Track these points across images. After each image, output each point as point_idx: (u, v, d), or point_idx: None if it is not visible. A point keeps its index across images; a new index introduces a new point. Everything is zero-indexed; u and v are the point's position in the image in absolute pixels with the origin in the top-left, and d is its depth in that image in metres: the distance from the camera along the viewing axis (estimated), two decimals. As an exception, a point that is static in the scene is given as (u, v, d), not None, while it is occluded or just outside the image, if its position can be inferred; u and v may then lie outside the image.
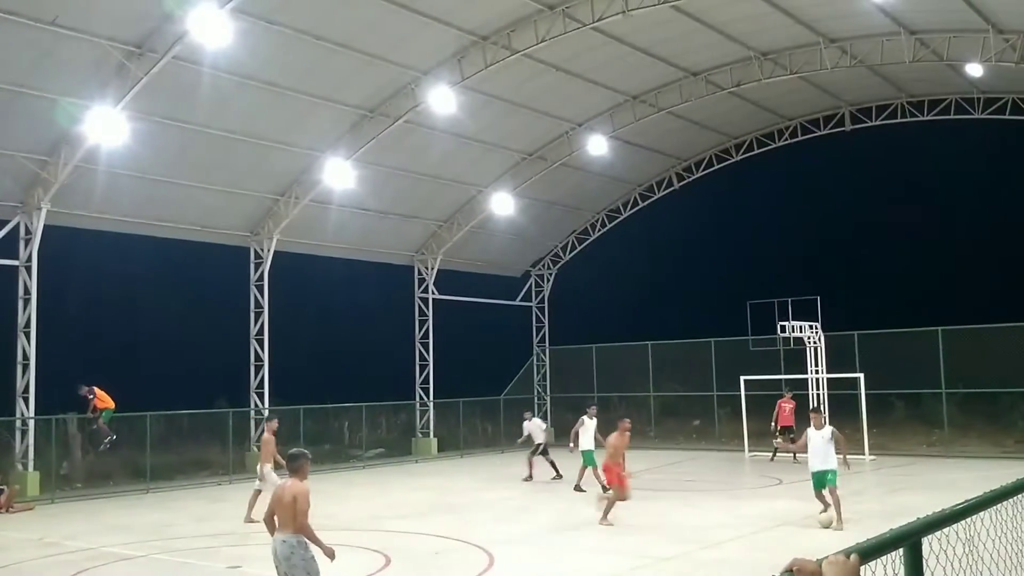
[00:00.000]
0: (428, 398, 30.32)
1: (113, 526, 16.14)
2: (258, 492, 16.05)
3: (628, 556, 11.68)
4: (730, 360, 28.41)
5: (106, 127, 19.16)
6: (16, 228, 20.96)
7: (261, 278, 26.02)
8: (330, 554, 7.81)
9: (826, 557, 2.01)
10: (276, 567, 7.73)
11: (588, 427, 19.00)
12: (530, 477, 20.98)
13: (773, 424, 23.96)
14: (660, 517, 15.23)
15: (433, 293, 30.57)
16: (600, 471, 16.56)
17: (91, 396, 20.57)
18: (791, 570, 1.92)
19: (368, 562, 11.92)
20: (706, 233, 36.48)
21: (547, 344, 34.79)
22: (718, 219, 36.17)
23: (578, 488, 18.55)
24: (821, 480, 13.64)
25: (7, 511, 18.21)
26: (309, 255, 27.79)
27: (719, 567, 10.41)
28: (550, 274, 34.58)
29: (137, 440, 22.35)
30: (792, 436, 23.55)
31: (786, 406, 23.70)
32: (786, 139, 29.34)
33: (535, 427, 22.25)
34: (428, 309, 30.54)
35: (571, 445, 19.19)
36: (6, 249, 20.95)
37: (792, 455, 23.23)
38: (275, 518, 7.79)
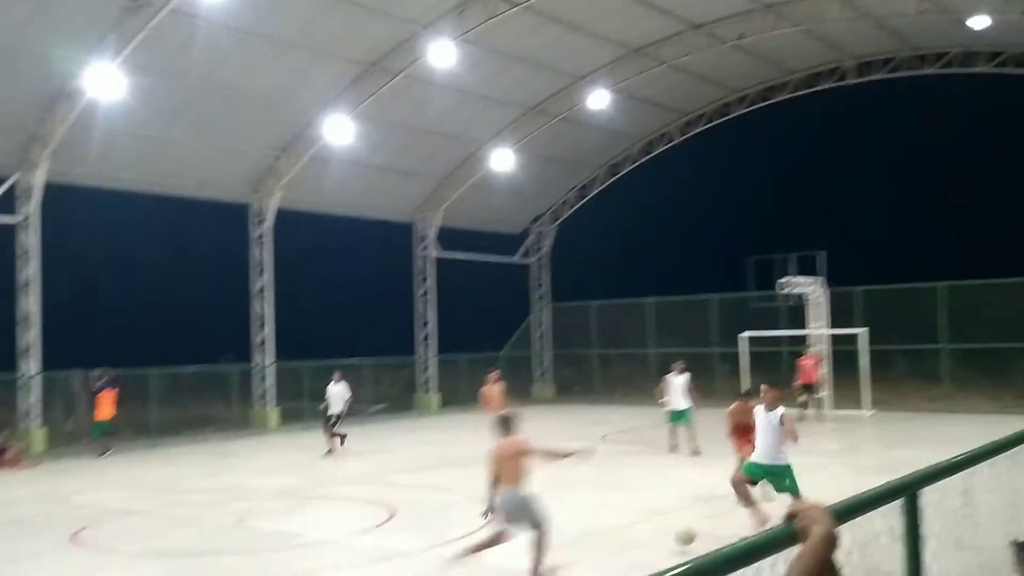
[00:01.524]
0: (429, 354, 30.47)
1: (120, 481, 16.32)
2: None
3: (627, 511, 11.82)
4: (731, 317, 28.46)
5: (104, 82, 19.03)
6: (14, 186, 20.91)
7: (263, 235, 26.01)
8: (587, 454, 9.20)
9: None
10: (505, 515, 8.40)
11: (673, 384, 17.42)
12: (334, 448, 19.11)
13: (795, 382, 24.00)
14: (662, 473, 15.38)
15: (433, 250, 30.57)
16: (678, 430, 16.52)
17: (99, 385, 20.49)
18: (792, 517, 1.95)
19: (374, 515, 12.08)
20: (708, 188, 36.37)
21: (547, 301, 34.84)
22: (720, 174, 36.05)
23: (674, 448, 17.13)
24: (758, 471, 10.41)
25: (14, 468, 18.41)
26: (310, 212, 27.73)
27: (718, 521, 10.54)
28: (550, 230, 34.51)
29: (142, 397, 22.51)
30: (815, 394, 23.73)
31: (807, 363, 23.75)
32: (789, 93, 29.07)
33: (337, 394, 19.53)
34: (428, 266, 30.55)
35: (662, 400, 17.91)
36: (4, 206, 20.91)
37: (818, 413, 23.34)
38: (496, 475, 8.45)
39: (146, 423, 22.58)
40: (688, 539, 9.11)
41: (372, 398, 28.83)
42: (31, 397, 20.95)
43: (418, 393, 30.28)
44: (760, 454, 10.28)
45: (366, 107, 23.77)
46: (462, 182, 29.44)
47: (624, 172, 32.60)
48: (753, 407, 10.95)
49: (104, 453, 19.97)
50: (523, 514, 8.31)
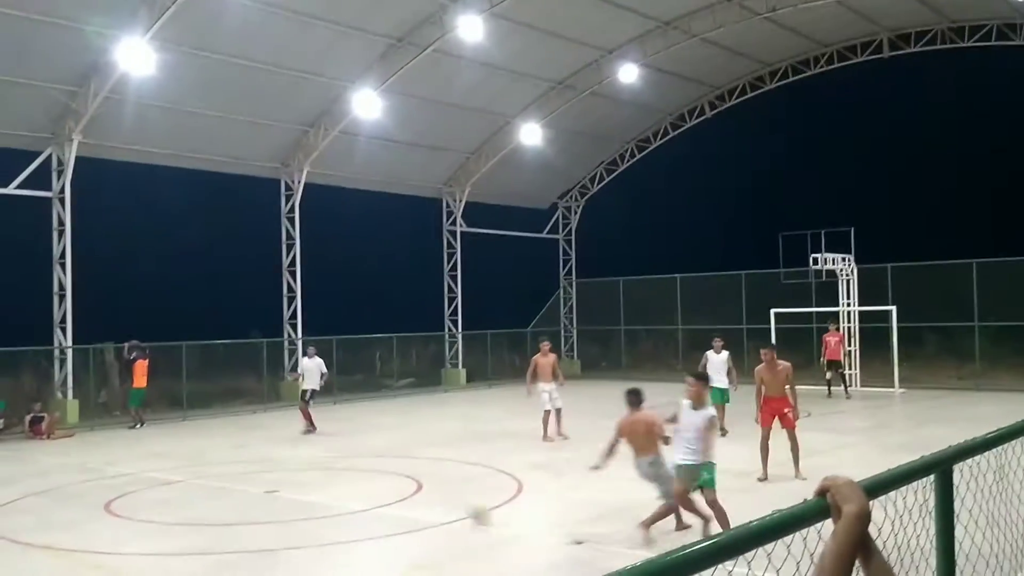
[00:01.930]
0: (456, 330, 30.57)
1: (152, 452, 16.57)
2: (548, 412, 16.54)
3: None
4: (760, 293, 28.23)
5: (135, 57, 19.15)
6: (48, 160, 21.14)
7: (292, 210, 26.14)
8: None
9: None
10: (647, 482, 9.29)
11: (712, 361, 16.68)
12: (312, 428, 18.67)
13: (821, 359, 23.86)
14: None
15: (460, 226, 30.57)
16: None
17: (133, 356, 20.78)
18: (823, 492, 1.93)
19: (400, 487, 12.18)
20: (738, 163, 36.00)
21: (574, 277, 34.78)
22: (750, 149, 35.64)
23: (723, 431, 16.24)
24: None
25: (48, 438, 18.75)
26: (338, 187, 27.80)
27: (746, 497, 10.52)
28: (578, 206, 34.37)
29: (173, 370, 22.81)
30: (841, 370, 23.60)
31: (831, 339, 23.60)
32: (822, 66, 28.62)
33: (312, 368, 19.04)
34: (455, 241, 30.57)
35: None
36: (39, 181, 21.16)
37: (844, 389, 23.23)
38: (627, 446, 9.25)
39: (178, 395, 22.89)
40: (479, 514, 9.40)
41: (399, 372, 29.02)
42: (65, 369, 21.29)
43: (445, 368, 30.41)
44: (687, 455, 9.03)
45: (394, 82, 23.73)
46: (490, 157, 29.36)
47: (653, 147, 32.34)
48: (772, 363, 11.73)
49: (136, 425, 20.30)
50: (653, 481, 9.21)
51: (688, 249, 33.22)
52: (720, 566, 1.74)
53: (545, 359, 17.18)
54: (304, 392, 18.91)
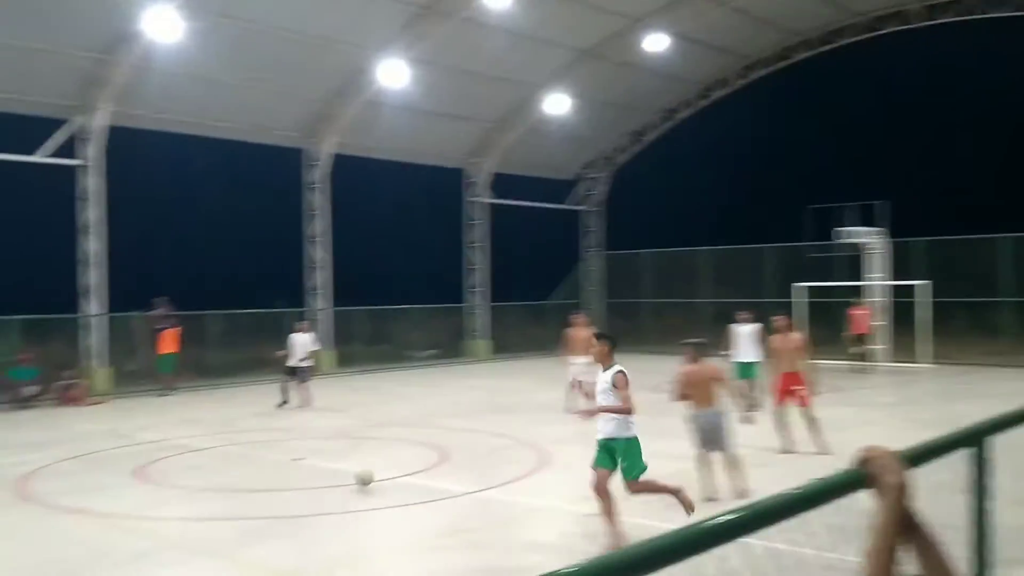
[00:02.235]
0: (479, 301, 30.61)
1: (181, 419, 16.79)
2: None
3: (677, 460, 11.78)
4: (786, 267, 28.02)
5: (162, 25, 19.19)
6: (74, 128, 21.25)
7: (316, 180, 26.18)
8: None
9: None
10: (702, 436, 9.55)
11: (739, 335, 16.16)
12: (285, 402, 18.12)
13: (846, 332, 23.70)
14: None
15: (483, 197, 30.50)
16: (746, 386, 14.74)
17: (162, 325, 21.03)
18: (863, 463, 1.90)
19: (425, 457, 12.27)
20: (766, 135, 35.55)
21: (598, 248, 34.64)
22: (779, 120, 35.15)
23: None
24: None
25: (80, 404, 19.03)
26: (361, 157, 27.77)
27: (776, 470, 10.49)
28: (603, 177, 34.17)
29: (200, 338, 23.05)
30: (866, 345, 23.45)
31: (858, 313, 23.43)
32: (853, 36, 28.15)
33: (302, 344, 18.50)
34: (479, 212, 30.52)
35: (725, 352, 16.37)
36: (66, 149, 21.30)
37: (868, 364, 23.06)
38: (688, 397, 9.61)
39: (205, 364, 23.14)
40: (365, 480, 10.13)
41: (422, 344, 29.13)
42: (94, 337, 21.55)
43: (468, 340, 30.49)
44: (601, 428, 8.14)
45: (420, 51, 23.61)
46: (515, 127, 29.20)
47: (680, 118, 32.04)
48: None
49: (166, 393, 20.57)
50: (716, 433, 9.48)
51: (714, 221, 32.97)
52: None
53: (578, 332, 17.06)
54: (292, 369, 18.15)
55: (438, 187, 31.63)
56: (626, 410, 7.93)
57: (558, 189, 33.68)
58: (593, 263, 34.63)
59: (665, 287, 32.54)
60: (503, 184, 30.92)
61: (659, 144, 32.90)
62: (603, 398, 8.11)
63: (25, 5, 18.51)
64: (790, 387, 12.23)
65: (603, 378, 8.16)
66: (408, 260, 32.56)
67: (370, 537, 8.77)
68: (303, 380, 18.27)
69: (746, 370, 15.63)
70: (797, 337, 12.71)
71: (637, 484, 8.00)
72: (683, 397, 9.70)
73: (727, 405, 9.92)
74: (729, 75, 30.56)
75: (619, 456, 8.00)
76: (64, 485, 11.03)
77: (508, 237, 31.20)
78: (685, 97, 31.50)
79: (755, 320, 16.33)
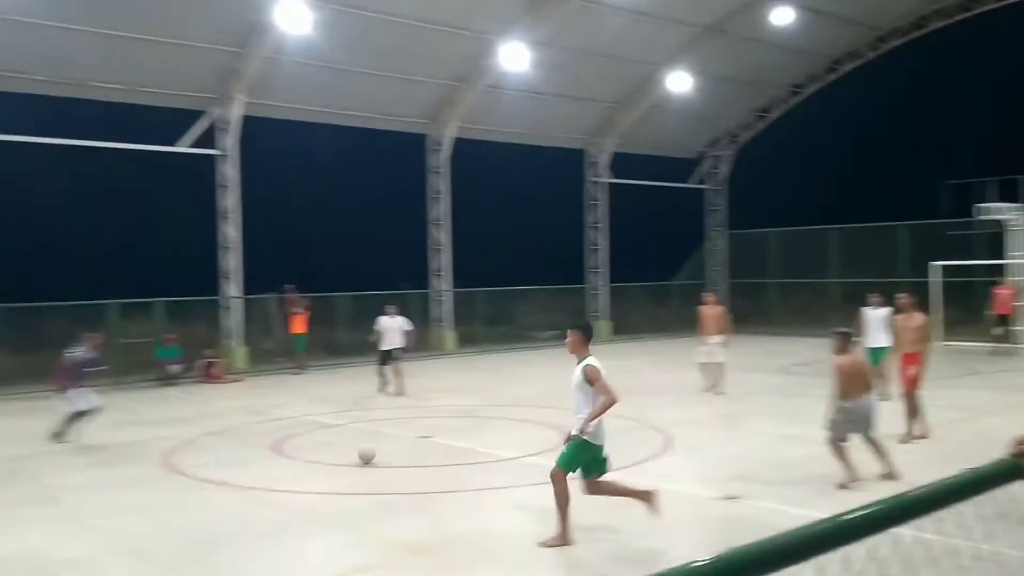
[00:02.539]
0: (600, 282, 30.52)
1: (313, 397, 17.47)
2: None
3: (805, 443, 11.52)
4: (921, 245, 26.78)
5: (292, 17, 19.88)
6: (213, 119, 22.27)
7: (439, 165, 26.61)
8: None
9: None
10: (854, 426, 9.49)
11: (870, 319, 15.28)
12: (386, 388, 17.89)
13: (987, 311, 22.60)
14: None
15: (604, 177, 30.32)
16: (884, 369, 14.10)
17: (294, 309, 21.91)
18: (1020, 454, 1.84)
19: (548, 437, 12.37)
20: (899, 108, 34.00)
21: (723, 228, 33.93)
22: (913, 92, 33.55)
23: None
24: None
25: (219, 382, 20.04)
26: (483, 141, 28.03)
27: (917, 455, 10.11)
28: (727, 155, 33.41)
29: (329, 319, 23.89)
30: (1010, 326, 22.30)
31: (1003, 292, 22.28)
32: (991, 4, 26.48)
33: (393, 328, 18.09)
34: (600, 193, 30.37)
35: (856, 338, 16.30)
36: (205, 139, 22.35)
37: (1012, 344, 21.94)
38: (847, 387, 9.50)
39: (335, 344, 23.98)
40: (367, 458, 10.78)
41: (543, 325, 29.28)
42: (232, 318, 22.62)
43: (589, 320, 30.41)
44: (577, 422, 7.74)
45: (540, 33, 23.62)
46: (636, 106, 28.88)
47: (808, 93, 30.98)
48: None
49: (298, 372, 21.45)
50: (869, 420, 9.51)
51: (843, 199, 31.79)
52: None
53: (709, 310, 16.78)
54: (385, 352, 17.91)
55: (558, 168, 31.64)
56: (609, 404, 7.56)
57: (680, 168, 33.14)
58: (717, 243, 33.96)
59: (792, 267, 31.62)
60: (624, 163, 30.64)
61: (785, 120, 31.91)
62: (577, 393, 7.72)
63: (165, 3, 19.52)
64: (908, 367, 11.80)
65: (575, 372, 7.73)
66: (529, 242, 32.74)
67: (495, 514, 8.93)
68: (395, 364, 17.85)
69: (877, 355, 14.89)
70: (920, 317, 12.24)
71: (593, 485, 7.74)
72: (844, 391, 9.47)
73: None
74: (860, 47, 29.30)
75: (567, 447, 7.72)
76: (206, 459, 11.66)
77: (629, 217, 30.94)
78: (812, 71, 30.41)
79: (886, 303, 15.67)
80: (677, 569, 1.39)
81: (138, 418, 15.17)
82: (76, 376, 12.85)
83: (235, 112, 22.11)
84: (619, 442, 12.11)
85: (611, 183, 30.50)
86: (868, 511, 1.70)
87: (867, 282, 23.02)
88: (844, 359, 9.64)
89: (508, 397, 17.21)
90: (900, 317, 12.41)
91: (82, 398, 12.83)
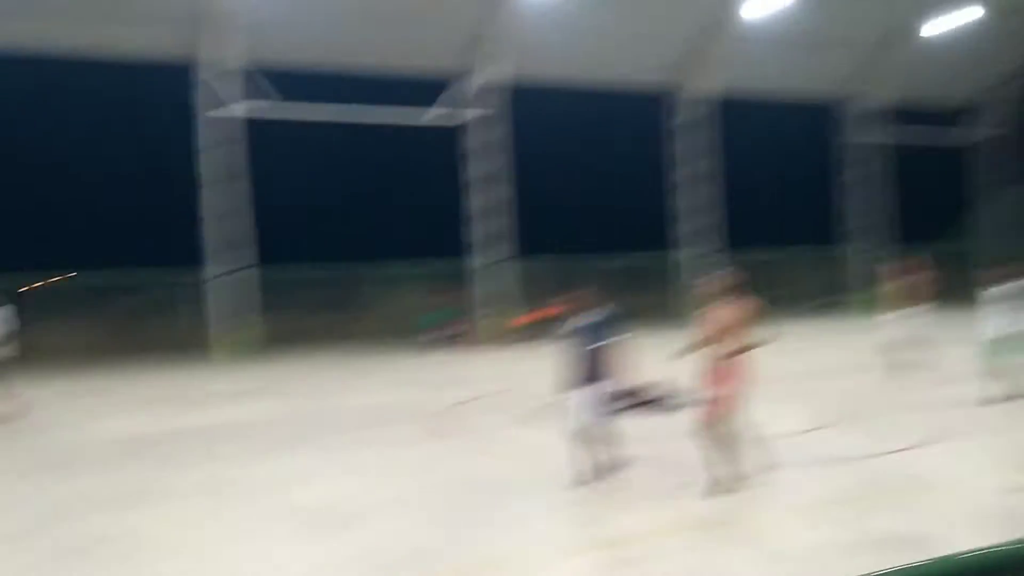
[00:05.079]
0: (864, 247, 28.36)
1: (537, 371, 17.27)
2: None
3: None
4: None
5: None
6: (458, 87, 22.54)
7: (677, 126, 25.63)
8: None
9: None
10: None
11: None
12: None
13: None
14: None
15: (863, 134, 28.04)
16: None
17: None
18: None
19: (818, 414, 11.44)
20: None
21: (999, 186, 30.37)
22: None
23: None
24: None
25: (476, 349, 20.49)
26: (739, 100, 26.64)
27: None
28: (1002, 103, 29.82)
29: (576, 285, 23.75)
30: None
31: None
32: None
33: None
34: (855, 152, 28.18)
35: None
36: (454, 108, 22.67)
37: None
38: None
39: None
40: None
41: (804, 294, 27.76)
42: (478, 288, 23.04)
43: (850, 291, 28.34)
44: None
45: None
46: (893, 50, 26.27)
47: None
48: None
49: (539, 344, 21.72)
50: None
51: None
52: None
53: (915, 278, 14.97)
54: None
55: (803, 124, 29.63)
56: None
57: (943, 120, 29.99)
58: (992, 202, 30.47)
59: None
60: (878, 117, 28.18)
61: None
62: None
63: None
64: None
65: None
66: (783, 203, 30.94)
67: (755, 496, 8.14)
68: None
69: None
70: None
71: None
72: None
73: None
74: None
75: None
76: (464, 424, 11.69)
77: (888, 176, 28.44)
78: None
79: None
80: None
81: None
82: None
83: (492, 78, 22.30)
84: (880, 423, 10.85)
85: (871, 142, 28.06)
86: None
87: None
88: None
89: (774, 370, 16.16)
90: None
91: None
